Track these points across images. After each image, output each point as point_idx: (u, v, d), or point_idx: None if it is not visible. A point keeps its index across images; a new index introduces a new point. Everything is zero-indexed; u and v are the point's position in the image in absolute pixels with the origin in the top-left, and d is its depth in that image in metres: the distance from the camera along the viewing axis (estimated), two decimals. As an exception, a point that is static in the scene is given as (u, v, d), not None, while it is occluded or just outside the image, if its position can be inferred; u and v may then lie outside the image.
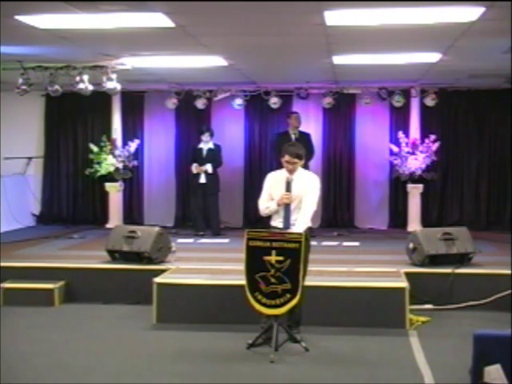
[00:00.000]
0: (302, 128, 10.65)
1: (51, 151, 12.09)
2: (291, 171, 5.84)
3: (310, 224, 5.90)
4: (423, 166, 10.84)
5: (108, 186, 11.51)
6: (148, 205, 12.01)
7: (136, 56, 8.35)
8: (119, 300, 7.26)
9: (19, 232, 10.80)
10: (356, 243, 9.60)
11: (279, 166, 6.11)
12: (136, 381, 5.01)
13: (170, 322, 6.50)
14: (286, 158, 5.82)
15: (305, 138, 10.29)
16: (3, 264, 7.62)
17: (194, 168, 10.42)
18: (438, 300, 7.00)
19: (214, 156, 10.54)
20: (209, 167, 10.39)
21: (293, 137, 10.21)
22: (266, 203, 5.89)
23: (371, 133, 11.57)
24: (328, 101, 11.10)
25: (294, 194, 5.77)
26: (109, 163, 11.26)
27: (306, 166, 9.53)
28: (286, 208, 5.77)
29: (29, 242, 9.65)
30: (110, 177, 11.38)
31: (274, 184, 5.91)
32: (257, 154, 11.80)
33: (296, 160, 5.81)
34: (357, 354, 5.66)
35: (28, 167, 11.90)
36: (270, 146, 11.21)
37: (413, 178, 10.94)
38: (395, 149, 11.02)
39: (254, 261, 5.58)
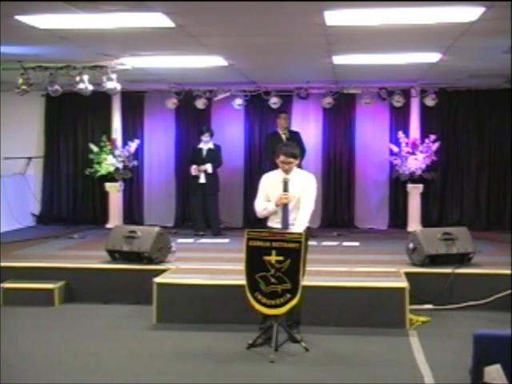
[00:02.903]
0: (304, 128, 10.65)
1: (51, 151, 12.10)
2: (287, 171, 5.84)
3: (308, 224, 5.90)
4: (423, 166, 10.84)
5: (108, 185, 11.51)
6: (148, 205, 12.01)
7: (136, 56, 8.35)
8: (119, 300, 7.27)
9: (19, 232, 10.80)
10: (356, 243, 9.59)
11: (272, 167, 6.10)
12: (136, 381, 5.01)
13: (169, 322, 6.51)
14: (282, 158, 5.82)
15: (295, 136, 10.28)
16: (3, 264, 7.62)
17: (193, 170, 10.41)
18: (438, 300, 7.00)
19: (214, 156, 10.54)
20: (208, 167, 10.38)
21: (283, 137, 10.19)
22: (263, 204, 5.89)
23: (371, 133, 11.57)
24: (328, 101, 11.10)
25: (291, 193, 5.77)
26: (109, 163, 11.27)
27: (299, 166, 9.61)
28: (284, 208, 5.77)
29: (29, 241, 9.65)
30: (110, 177, 11.39)
31: (270, 185, 5.90)
32: (257, 154, 11.79)
33: (291, 159, 5.81)
34: (357, 353, 5.65)
35: (28, 167, 11.90)
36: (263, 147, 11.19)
37: (413, 178, 10.94)
38: (395, 149, 11.02)
39: (254, 261, 5.58)
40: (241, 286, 5.76)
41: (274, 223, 5.86)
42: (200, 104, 11.32)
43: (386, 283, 6.64)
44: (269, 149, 9.44)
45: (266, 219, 5.99)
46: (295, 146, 6.05)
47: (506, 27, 6.28)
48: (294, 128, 11.04)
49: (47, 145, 12.12)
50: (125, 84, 9.59)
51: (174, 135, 11.94)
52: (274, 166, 6.06)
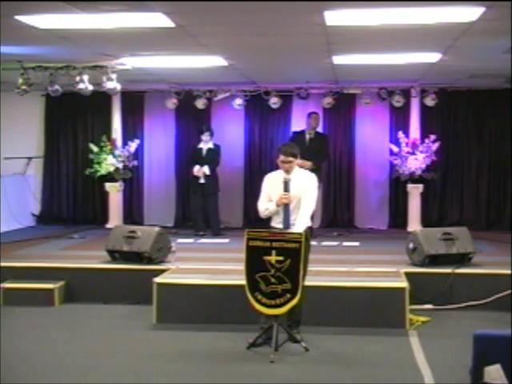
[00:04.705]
0: (301, 127, 10.66)
1: (51, 151, 12.09)
2: (288, 171, 5.83)
3: (310, 224, 5.90)
4: (423, 165, 10.84)
5: (108, 185, 11.51)
6: (148, 205, 12.02)
7: (136, 56, 8.35)
8: (119, 300, 7.26)
9: (19, 232, 10.80)
10: (356, 243, 9.59)
11: None
12: (136, 381, 5.01)
13: (170, 322, 6.51)
14: (281, 158, 5.82)
15: (320, 138, 10.34)
16: (3, 264, 7.62)
17: (197, 171, 10.39)
18: (438, 300, 7.00)
19: (214, 156, 10.54)
20: (206, 169, 10.37)
21: (307, 137, 10.23)
22: (265, 205, 5.89)
23: (371, 133, 11.58)
24: (328, 101, 11.10)
25: (292, 193, 5.77)
26: (109, 163, 11.26)
27: (319, 168, 9.64)
28: (285, 208, 5.77)
29: (29, 241, 9.65)
30: (109, 177, 11.38)
31: (271, 185, 5.91)
32: (257, 154, 11.80)
33: (291, 159, 5.81)
34: (357, 354, 5.65)
35: (28, 167, 11.90)
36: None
37: (413, 178, 10.94)
38: (395, 149, 11.02)
39: (254, 261, 5.58)
40: (241, 286, 5.77)
41: (276, 223, 5.86)
42: (200, 104, 11.32)
43: (386, 283, 6.64)
44: None
45: (267, 219, 5.99)
46: (294, 146, 6.04)
47: (506, 27, 6.28)
48: (294, 128, 11.06)
49: (47, 145, 12.11)
50: (125, 84, 9.59)
51: (173, 135, 11.94)
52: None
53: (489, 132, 11.30)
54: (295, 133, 10.63)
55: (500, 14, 5.83)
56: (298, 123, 11.23)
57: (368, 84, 10.84)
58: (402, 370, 5.21)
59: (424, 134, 11.09)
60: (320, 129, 11.47)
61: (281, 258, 5.50)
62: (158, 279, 6.75)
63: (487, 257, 7.95)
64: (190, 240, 9.92)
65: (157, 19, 6.16)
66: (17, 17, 6.09)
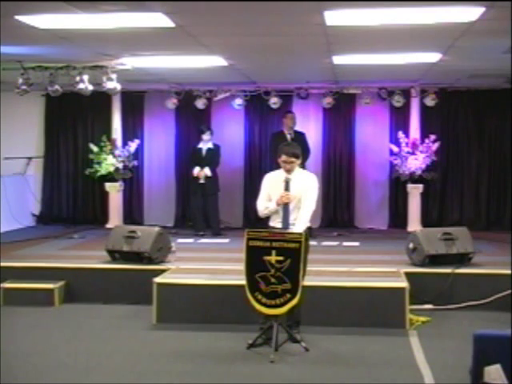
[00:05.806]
0: (304, 128, 10.66)
1: (51, 151, 12.10)
2: (289, 171, 5.84)
3: (309, 224, 5.90)
4: (423, 166, 10.85)
5: (108, 185, 11.51)
6: (148, 205, 12.02)
7: (136, 56, 8.35)
8: (119, 300, 7.27)
9: (19, 232, 10.80)
10: (356, 243, 9.59)
11: (277, 167, 6.10)
12: (136, 381, 5.01)
13: (170, 322, 6.51)
14: (283, 157, 5.83)
15: (300, 137, 10.31)
16: (3, 264, 7.62)
17: (197, 173, 10.39)
18: (438, 300, 7.00)
19: (213, 156, 10.54)
20: (207, 171, 10.36)
21: (288, 136, 10.22)
22: (264, 204, 5.89)
23: (371, 133, 11.58)
24: (328, 101, 11.11)
25: (292, 193, 5.77)
26: (109, 163, 11.27)
27: (302, 166, 9.64)
28: (285, 208, 5.77)
29: (29, 241, 9.65)
30: (110, 177, 11.39)
31: (272, 184, 5.91)
32: (257, 154, 11.80)
33: (293, 159, 5.82)
34: (357, 354, 5.65)
35: (28, 167, 11.91)
36: (268, 146, 11.21)
37: (413, 178, 10.95)
38: (395, 149, 11.02)
39: (254, 261, 5.58)
40: (241, 286, 5.77)
41: (276, 223, 5.86)
42: (200, 104, 11.32)
43: (386, 283, 6.64)
44: (273, 148, 9.44)
45: (267, 219, 5.99)
46: (296, 146, 6.05)
47: (506, 27, 6.28)
48: (294, 128, 11.06)
49: (47, 145, 12.12)
50: (125, 84, 9.59)
51: (173, 135, 11.94)
52: (277, 166, 6.05)
53: (489, 132, 11.30)
54: (275, 134, 10.60)
55: (500, 14, 5.83)
56: (298, 123, 11.20)
57: (368, 84, 10.85)
58: (402, 370, 5.21)
59: (424, 134, 11.09)
60: (320, 129, 11.53)
61: (281, 258, 5.50)
62: (158, 279, 6.75)
63: (487, 257, 7.95)
64: (190, 240, 9.92)
65: (157, 19, 6.16)
66: (17, 17, 6.09)
